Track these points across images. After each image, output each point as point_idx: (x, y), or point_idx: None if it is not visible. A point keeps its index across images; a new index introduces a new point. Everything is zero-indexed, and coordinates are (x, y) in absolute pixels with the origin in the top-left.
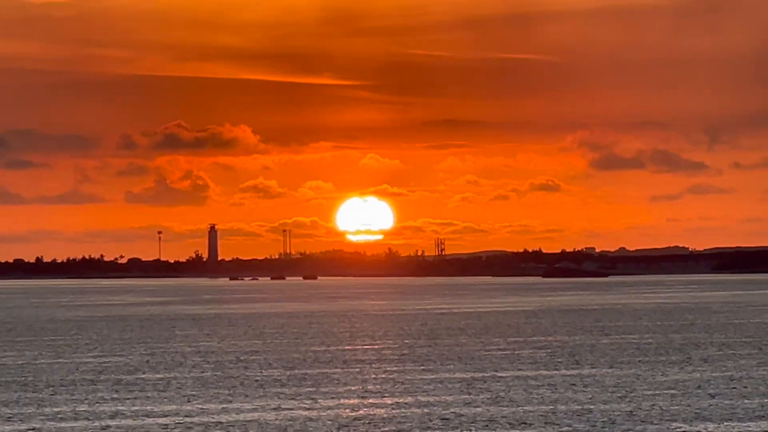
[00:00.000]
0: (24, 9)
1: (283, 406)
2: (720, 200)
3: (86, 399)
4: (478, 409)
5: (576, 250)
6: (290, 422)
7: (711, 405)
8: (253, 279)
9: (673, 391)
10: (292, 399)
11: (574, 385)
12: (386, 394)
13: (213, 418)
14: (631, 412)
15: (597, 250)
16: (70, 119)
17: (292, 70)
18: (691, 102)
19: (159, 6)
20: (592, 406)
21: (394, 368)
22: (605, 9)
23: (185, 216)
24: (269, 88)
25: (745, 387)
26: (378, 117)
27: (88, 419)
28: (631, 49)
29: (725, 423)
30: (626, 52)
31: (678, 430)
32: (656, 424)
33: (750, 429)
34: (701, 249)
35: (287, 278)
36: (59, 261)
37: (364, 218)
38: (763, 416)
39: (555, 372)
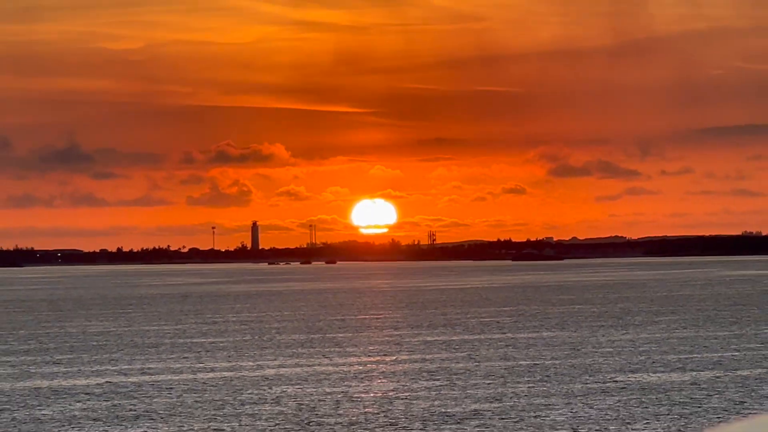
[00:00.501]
0: (106, 54)
1: (303, 363)
2: (650, 200)
3: (150, 359)
4: (457, 364)
5: (538, 239)
6: (311, 375)
7: (640, 360)
8: (286, 263)
9: (609, 349)
10: (312, 357)
11: (534, 345)
12: (385, 353)
13: (249, 372)
14: (577, 366)
15: (554, 239)
16: (142, 140)
17: (315, 101)
18: (626, 123)
19: (210, 51)
20: (546, 362)
21: (393, 332)
22: (557, 51)
23: (233, 215)
24: (297, 115)
25: (667, 345)
26: (382, 137)
27: (151, 375)
28: (578, 82)
29: (651, 374)
30: (574, 85)
31: (614, 380)
32: (597, 375)
33: (671, 379)
34: (636, 238)
35: (312, 263)
36: (135, 250)
37: (373, 215)
38: (681, 368)
39: (517, 335)
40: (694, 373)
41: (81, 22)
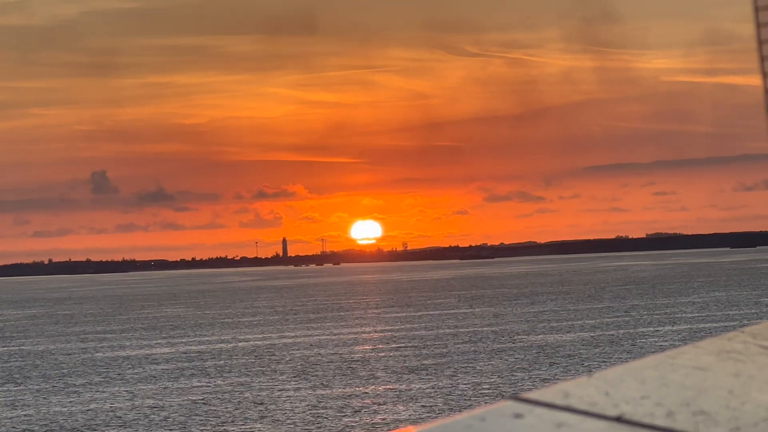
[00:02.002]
0: (183, 127)
1: (309, 334)
2: (553, 216)
3: (204, 334)
4: (418, 332)
5: (477, 245)
6: (313, 344)
7: (542, 325)
8: (306, 266)
9: (522, 320)
10: (316, 329)
11: (469, 317)
12: (369, 326)
13: (273, 341)
14: (498, 331)
15: (488, 245)
16: (207, 184)
17: (326, 155)
18: (534, 165)
19: (253, 123)
20: (477, 329)
21: (375, 311)
22: (485, 117)
23: (270, 234)
24: (313, 165)
25: (561, 316)
26: (371, 178)
27: (205, 344)
28: (500, 138)
29: (550, 336)
30: (497, 140)
31: (523, 340)
32: (512, 339)
33: (562, 339)
34: (543, 242)
35: (324, 265)
36: (205, 259)
37: (365, 231)
38: (568, 331)
39: (458, 311)
40: (577, 334)
41: (166, 105)
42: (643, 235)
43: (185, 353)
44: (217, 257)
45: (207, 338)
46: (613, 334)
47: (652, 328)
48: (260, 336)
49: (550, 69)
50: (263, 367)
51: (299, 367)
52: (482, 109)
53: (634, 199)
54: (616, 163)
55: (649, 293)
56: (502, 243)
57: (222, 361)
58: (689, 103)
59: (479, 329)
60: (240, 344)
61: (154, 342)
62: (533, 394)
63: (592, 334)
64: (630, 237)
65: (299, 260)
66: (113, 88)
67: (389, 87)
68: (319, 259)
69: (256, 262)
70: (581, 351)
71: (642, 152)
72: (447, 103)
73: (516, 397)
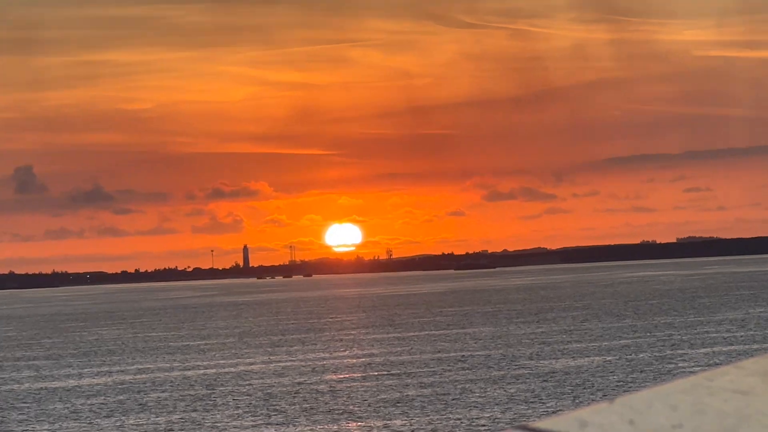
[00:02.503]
0: (124, 113)
1: (271, 360)
2: (565, 217)
3: (146, 359)
4: (400, 357)
5: (475, 252)
6: (276, 372)
7: (551, 349)
8: (271, 278)
9: (527, 342)
10: (280, 355)
11: (462, 339)
12: (343, 351)
13: (228, 369)
14: (500, 356)
15: (489, 251)
16: (153, 182)
17: (293, 146)
18: (543, 157)
19: (208, 108)
20: (472, 353)
21: (353, 331)
22: (484, 100)
23: (229, 240)
24: (278, 158)
25: (574, 336)
26: (348, 173)
27: (147, 373)
28: (500, 125)
29: (561, 360)
30: (497, 127)
31: (528, 366)
32: (515, 365)
33: (577, 363)
34: (554, 248)
35: (293, 277)
36: (149, 271)
37: (342, 237)
38: (588, 355)
39: (451, 330)
40: (593, 358)
41: (103, 88)
42: (673, 240)
43: (122, 384)
44: (165, 268)
45: (149, 366)
46: (635, 359)
47: (682, 351)
48: (213, 363)
49: (560, 42)
50: (215, 399)
51: (258, 399)
52: (479, 90)
53: (662, 197)
54: (640, 153)
55: (680, 309)
56: (504, 250)
57: (166, 394)
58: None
59: (476, 353)
60: (188, 373)
61: (86, 371)
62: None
63: (611, 359)
64: (657, 242)
65: (263, 271)
66: (38, 68)
67: (367, 65)
68: (287, 270)
69: (212, 273)
70: (597, 379)
71: (670, 141)
72: (437, 83)
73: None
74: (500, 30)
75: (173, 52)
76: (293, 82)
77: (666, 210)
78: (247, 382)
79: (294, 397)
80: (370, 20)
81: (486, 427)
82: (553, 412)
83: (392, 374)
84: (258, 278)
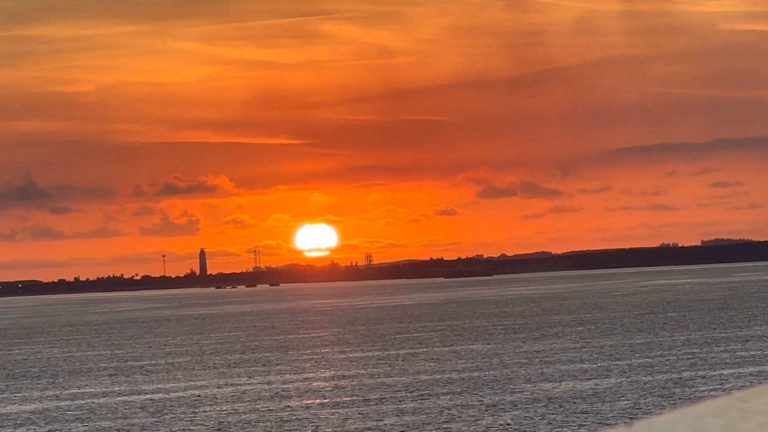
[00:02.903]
0: (60, 97)
1: (229, 383)
2: (572, 216)
3: (92, 382)
4: (380, 379)
5: (468, 257)
6: (233, 395)
7: (554, 369)
8: (232, 287)
9: (526, 361)
10: (238, 377)
11: (451, 358)
12: (312, 372)
13: (178, 393)
14: (496, 378)
15: (484, 256)
16: (96, 176)
17: (257, 134)
18: (545, 147)
19: (158, 90)
20: (461, 375)
21: (325, 350)
22: (475, 81)
23: (183, 243)
24: (240, 148)
25: (581, 355)
26: (321, 166)
27: (81, 399)
28: (494, 110)
29: (564, 383)
30: (492, 112)
31: (527, 390)
32: (512, 387)
33: (584, 387)
34: (560, 252)
35: (257, 286)
36: (91, 279)
37: (315, 240)
38: (596, 376)
39: (441, 348)
40: (602, 380)
41: (34, 68)
42: (698, 243)
43: (51, 411)
44: (108, 277)
45: (84, 390)
46: (652, 381)
47: (707, 372)
48: (160, 386)
49: (563, 14)
50: (162, 428)
51: (210, 429)
52: (471, 70)
53: (685, 193)
54: (659, 143)
55: (706, 323)
56: (502, 254)
57: (104, 422)
58: (756, 60)
59: (466, 375)
60: (131, 398)
61: (10, 395)
62: None
63: (624, 380)
64: (679, 245)
65: (223, 280)
66: None
67: (341, 40)
68: (251, 278)
69: (164, 282)
70: (605, 405)
71: (694, 128)
72: (422, 61)
73: None
74: (495, 0)
75: (117, 27)
76: (255, 60)
77: (689, 208)
78: (198, 409)
79: (252, 426)
80: None
81: None
82: None
83: (367, 400)
84: (217, 288)
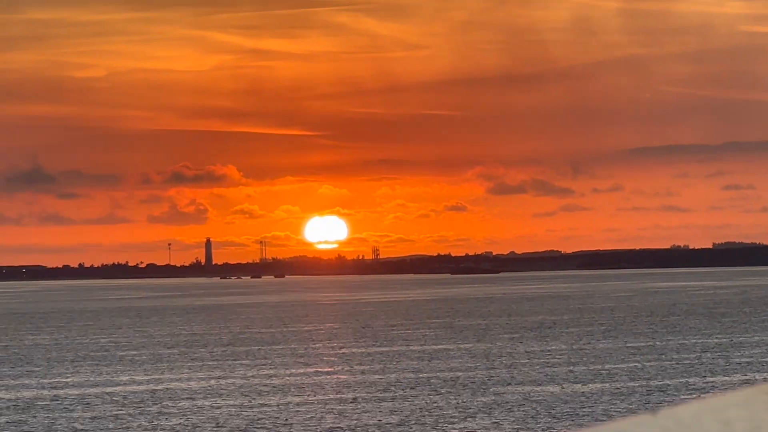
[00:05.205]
0: (71, 81)
1: (217, 377)
2: (583, 215)
3: (64, 373)
4: (375, 376)
5: (477, 254)
6: (227, 388)
7: (558, 371)
8: (237, 278)
9: (530, 362)
10: (228, 371)
11: (449, 357)
12: (305, 367)
13: (163, 386)
14: (484, 378)
15: (493, 254)
16: (104, 162)
17: (268, 125)
18: (557, 144)
19: (168, 78)
20: (458, 374)
21: (328, 344)
22: (490, 77)
23: (191, 232)
24: (249, 138)
25: (587, 357)
26: (331, 158)
27: (83, 387)
28: (507, 106)
29: (565, 384)
30: (504, 108)
31: (521, 391)
32: (510, 387)
33: (583, 390)
34: (570, 251)
35: (263, 277)
36: (96, 266)
37: (324, 232)
38: (593, 380)
39: (438, 346)
40: (608, 384)
41: (47, 51)
42: (709, 245)
43: (25, 401)
44: (114, 264)
45: (65, 380)
46: (660, 385)
47: (716, 378)
48: (145, 378)
49: (598, 12)
50: (143, 422)
51: (194, 425)
52: (486, 64)
53: (697, 195)
54: (671, 144)
55: (717, 327)
56: (512, 252)
57: (79, 413)
58: None
59: (460, 374)
60: (114, 389)
61: None
62: None
63: (629, 384)
64: (690, 247)
65: (229, 270)
66: None
67: (355, 32)
68: (257, 269)
69: (169, 271)
70: (611, 407)
71: (707, 130)
72: (438, 54)
73: None
74: None
75: (132, 12)
76: (268, 50)
77: (701, 210)
78: (187, 402)
79: (243, 420)
80: None
81: None
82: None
83: (362, 398)
84: (222, 278)
